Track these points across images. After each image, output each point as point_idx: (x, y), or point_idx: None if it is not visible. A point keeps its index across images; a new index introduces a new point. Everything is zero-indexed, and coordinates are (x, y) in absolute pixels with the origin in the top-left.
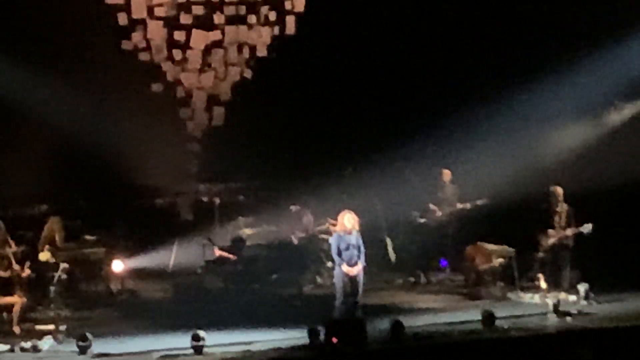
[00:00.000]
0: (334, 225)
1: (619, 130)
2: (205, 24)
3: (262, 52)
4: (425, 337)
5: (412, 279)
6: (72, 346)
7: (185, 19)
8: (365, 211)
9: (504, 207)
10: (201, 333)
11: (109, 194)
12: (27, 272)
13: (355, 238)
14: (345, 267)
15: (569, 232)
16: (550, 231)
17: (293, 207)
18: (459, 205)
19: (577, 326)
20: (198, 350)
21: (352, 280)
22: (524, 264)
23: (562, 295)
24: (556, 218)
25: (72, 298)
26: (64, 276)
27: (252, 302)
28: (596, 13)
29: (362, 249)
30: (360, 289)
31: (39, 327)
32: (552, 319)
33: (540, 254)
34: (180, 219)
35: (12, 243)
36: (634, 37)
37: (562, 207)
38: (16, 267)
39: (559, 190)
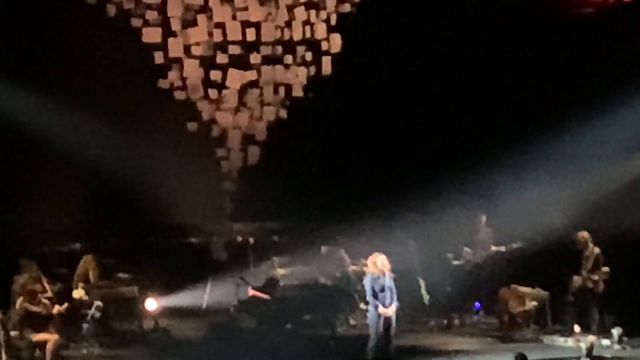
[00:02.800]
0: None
1: None
2: (241, 63)
3: (298, 92)
4: None
5: (445, 321)
6: None
7: (221, 58)
8: (399, 253)
9: (538, 251)
10: None
11: (143, 232)
12: (57, 308)
13: (388, 279)
14: (381, 309)
15: (586, 274)
16: (578, 275)
17: (324, 248)
18: (494, 248)
19: None
20: None
21: (386, 321)
22: (558, 307)
23: (596, 339)
24: (584, 262)
25: (105, 336)
26: (97, 314)
27: (285, 342)
28: (634, 55)
29: (394, 290)
30: (393, 330)
31: None
32: None
33: (571, 298)
34: (214, 258)
35: (45, 280)
36: None
37: (591, 251)
38: (47, 303)
39: (585, 235)
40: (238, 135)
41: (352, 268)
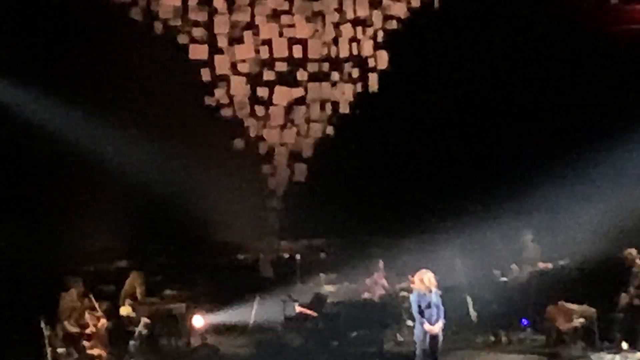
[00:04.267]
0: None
1: None
2: (288, 80)
3: (344, 109)
4: None
5: (492, 338)
6: None
7: (268, 75)
8: (447, 270)
9: (586, 267)
10: None
11: (190, 249)
12: (102, 322)
13: (435, 296)
14: (427, 326)
15: (634, 291)
16: (626, 292)
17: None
18: (541, 265)
19: None
20: None
21: (433, 338)
22: (605, 324)
23: None
24: (632, 279)
25: (153, 353)
26: (144, 331)
27: (333, 359)
28: None
29: (441, 306)
30: (440, 347)
31: None
32: None
33: (618, 315)
34: (261, 275)
35: (92, 298)
36: None
37: (639, 268)
38: (91, 321)
39: (633, 252)
40: (285, 152)
41: (400, 284)
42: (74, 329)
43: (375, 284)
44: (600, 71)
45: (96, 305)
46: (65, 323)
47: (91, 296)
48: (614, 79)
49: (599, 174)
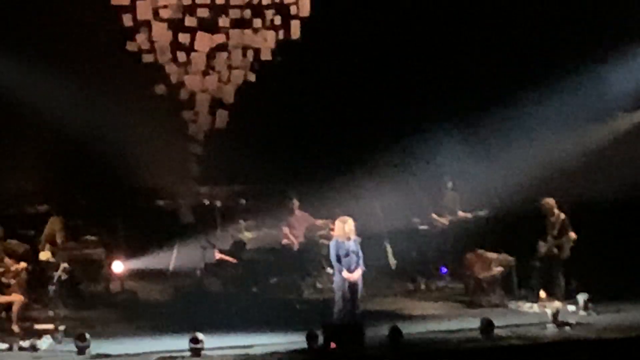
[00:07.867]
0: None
1: (620, 140)
2: (210, 26)
3: (266, 56)
4: (424, 344)
5: (411, 286)
6: (70, 346)
7: (190, 21)
8: (366, 217)
9: (506, 216)
10: (200, 335)
11: (110, 194)
12: (22, 265)
13: (354, 244)
14: (345, 274)
15: (552, 240)
16: (544, 241)
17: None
18: (461, 214)
19: (575, 336)
20: (196, 352)
21: (352, 285)
22: (524, 273)
23: (561, 305)
24: (550, 228)
25: (72, 298)
26: (64, 276)
27: (251, 306)
28: (601, 22)
29: (361, 254)
30: (359, 295)
31: (38, 326)
32: (551, 329)
33: (536, 263)
34: (181, 221)
35: (11, 242)
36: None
37: (557, 217)
38: (10, 264)
39: (550, 201)
40: (206, 98)
41: (318, 232)
42: None
43: (292, 228)
44: (516, 20)
45: (17, 249)
46: None
47: (10, 241)
48: (529, 28)
49: (518, 124)
